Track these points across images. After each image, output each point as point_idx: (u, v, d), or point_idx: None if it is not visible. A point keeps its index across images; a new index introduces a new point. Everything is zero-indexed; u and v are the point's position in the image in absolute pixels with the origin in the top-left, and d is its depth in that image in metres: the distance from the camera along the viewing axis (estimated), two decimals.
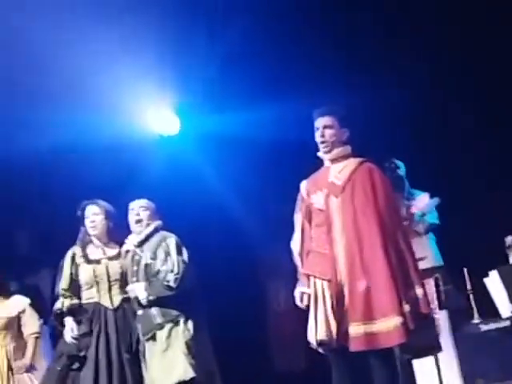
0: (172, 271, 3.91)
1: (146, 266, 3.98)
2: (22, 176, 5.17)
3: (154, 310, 3.90)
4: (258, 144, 4.98)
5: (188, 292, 3.95)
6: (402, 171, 4.46)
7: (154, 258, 3.97)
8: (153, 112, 5.38)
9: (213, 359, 4.07)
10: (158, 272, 3.95)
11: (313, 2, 4.59)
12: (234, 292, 5.40)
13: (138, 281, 3.98)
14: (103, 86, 4.94)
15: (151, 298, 3.89)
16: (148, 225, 4.07)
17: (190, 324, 3.93)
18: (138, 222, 4.07)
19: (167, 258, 3.95)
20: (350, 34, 4.70)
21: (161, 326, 3.89)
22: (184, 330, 3.89)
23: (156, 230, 4.08)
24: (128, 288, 3.99)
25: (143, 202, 4.14)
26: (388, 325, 3.22)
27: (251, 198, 5.22)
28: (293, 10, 4.60)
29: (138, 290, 3.92)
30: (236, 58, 4.82)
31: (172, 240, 4.01)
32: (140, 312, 3.95)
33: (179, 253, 3.99)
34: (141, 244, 4.05)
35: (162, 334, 3.88)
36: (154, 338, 3.90)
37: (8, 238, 5.31)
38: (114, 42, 4.76)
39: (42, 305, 4.34)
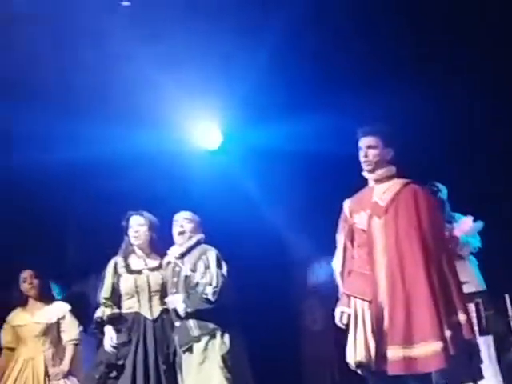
0: (211, 284, 3.94)
1: (186, 277, 4.02)
2: (73, 186, 5.28)
3: (192, 322, 3.93)
4: (300, 157, 4.97)
5: (225, 306, 3.97)
6: (443, 194, 4.43)
7: (194, 270, 4.01)
8: (196, 125, 5.44)
9: (249, 374, 4.08)
10: (196, 284, 3.97)
11: (356, 16, 4.57)
12: (271, 307, 5.39)
13: (177, 292, 4.01)
14: (149, 100, 5.03)
15: (189, 310, 3.92)
16: (190, 237, 4.11)
17: (227, 338, 3.95)
18: (181, 233, 4.11)
19: (206, 271, 3.98)
20: (395, 48, 4.65)
21: (197, 339, 3.91)
22: (220, 344, 3.91)
23: (198, 243, 4.12)
24: (167, 299, 4.02)
25: (188, 214, 4.18)
26: (427, 350, 3.19)
27: (293, 212, 5.22)
28: (336, 22, 4.59)
29: (177, 301, 3.96)
30: (278, 71, 4.83)
31: (212, 253, 4.05)
32: (178, 323, 3.98)
33: (219, 266, 4.02)
34: (182, 256, 4.09)
35: (198, 347, 3.91)
36: (190, 350, 3.92)
37: (54, 246, 5.41)
38: (160, 57, 4.85)
39: (84, 312, 4.39)
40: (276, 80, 4.87)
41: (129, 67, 4.80)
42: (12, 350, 4.67)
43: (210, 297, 3.92)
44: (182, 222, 4.13)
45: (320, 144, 4.88)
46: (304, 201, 5.21)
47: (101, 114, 4.92)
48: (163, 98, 5.03)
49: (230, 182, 5.30)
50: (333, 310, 3.50)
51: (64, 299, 4.90)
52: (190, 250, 4.09)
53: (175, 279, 4.06)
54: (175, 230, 4.14)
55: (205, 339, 3.91)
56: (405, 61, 4.62)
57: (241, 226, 5.24)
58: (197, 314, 3.93)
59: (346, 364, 3.41)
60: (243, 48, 4.72)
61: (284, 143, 5.03)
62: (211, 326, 3.92)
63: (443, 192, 4.43)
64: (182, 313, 3.92)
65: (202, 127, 5.47)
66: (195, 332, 3.91)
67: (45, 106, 4.77)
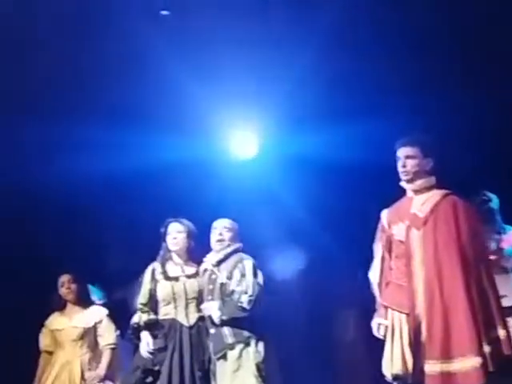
0: (246, 293, 3.95)
1: (222, 285, 4.03)
2: (114, 193, 5.33)
3: (226, 330, 3.94)
4: (337, 167, 4.93)
5: (260, 315, 3.97)
6: (494, 204, 4.29)
7: (230, 278, 4.02)
8: (232, 135, 5.46)
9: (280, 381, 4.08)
10: (232, 292, 3.98)
11: (399, 23, 4.51)
12: (304, 317, 5.37)
13: (212, 299, 4.03)
14: (186, 110, 5.07)
15: (224, 317, 3.93)
16: (228, 245, 4.12)
17: (261, 346, 3.95)
18: (220, 241, 4.12)
19: (242, 280, 3.99)
20: (440, 54, 4.55)
21: (232, 346, 3.91)
22: (255, 352, 3.91)
23: (235, 251, 4.12)
24: (202, 306, 4.04)
25: (227, 222, 4.18)
26: (466, 365, 3.15)
27: (329, 222, 5.19)
28: (377, 29, 4.53)
29: (212, 308, 3.97)
30: (314, 80, 4.81)
31: (249, 262, 4.05)
32: (212, 331, 4.00)
33: (255, 275, 4.02)
34: (218, 263, 4.11)
35: (232, 355, 3.91)
36: (225, 357, 3.93)
37: (95, 251, 5.48)
38: (198, 66, 4.89)
39: (124, 318, 4.42)
40: (312, 89, 4.85)
41: (167, 77, 4.84)
42: (50, 353, 4.71)
43: (246, 305, 3.92)
44: (222, 230, 4.14)
45: (356, 153, 4.83)
46: (340, 210, 5.16)
47: (140, 123, 4.98)
48: (200, 108, 5.05)
49: (266, 191, 5.29)
50: (365, 321, 3.48)
51: (106, 304, 4.94)
52: (226, 257, 4.10)
53: (211, 286, 4.07)
54: (214, 237, 4.15)
55: (239, 347, 3.91)
56: (450, 67, 4.53)
57: (276, 235, 5.23)
58: (232, 322, 3.93)
59: (379, 375, 3.39)
60: (280, 57, 4.72)
61: (321, 152, 4.98)
62: (246, 334, 3.92)
63: (494, 201, 4.29)
64: (216, 320, 3.94)
65: (238, 136, 5.48)
66: (229, 339, 3.92)
67: (87, 115, 4.85)
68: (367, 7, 4.33)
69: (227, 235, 4.14)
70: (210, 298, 4.05)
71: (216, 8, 4.55)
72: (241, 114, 5.18)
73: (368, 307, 3.64)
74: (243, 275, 4.00)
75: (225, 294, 3.99)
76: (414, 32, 4.34)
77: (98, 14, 4.51)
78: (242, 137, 5.47)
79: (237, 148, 5.51)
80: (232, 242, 4.13)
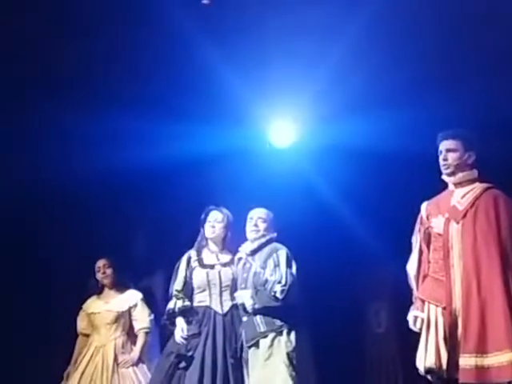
0: (279, 282, 3.96)
1: (255, 274, 4.05)
2: (149, 183, 5.39)
3: (259, 318, 3.96)
4: (376, 156, 4.87)
5: (293, 304, 3.98)
6: None
7: (264, 267, 4.03)
8: (269, 123, 5.44)
9: (313, 373, 4.09)
10: (265, 281, 4.00)
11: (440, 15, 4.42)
12: (337, 307, 5.36)
13: (245, 288, 4.05)
14: (223, 98, 5.07)
15: (257, 306, 3.95)
16: (263, 235, 4.13)
17: (293, 336, 3.96)
18: (255, 231, 4.14)
19: (276, 269, 4.00)
20: (480, 45, 4.45)
21: (264, 335, 3.94)
22: (286, 341, 3.93)
23: (270, 241, 4.13)
24: (236, 294, 4.07)
25: (263, 212, 4.20)
26: (501, 360, 3.14)
27: (366, 212, 5.15)
28: (418, 20, 4.45)
29: (245, 296, 4.00)
30: (353, 68, 4.74)
31: (283, 252, 4.06)
32: (245, 318, 4.03)
33: (288, 265, 4.03)
34: (253, 253, 4.13)
35: (264, 343, 3.93)
36: (256, 345, 3.96)
37: (127, 239, 5.55)
38: (235, 55, 4.88)
39: (155, 304, 4.49)
40: (350, 77, 4.80)
41: (205, 65, 4.86)
42: (87, 336, 4.81)
43: (279, 295, 3.93)
44: (256, 220, 4.16)
45: (394, 143, 4.76)
46: (377, 201, 5.12)
47: (178, 114, 5.00)
48: (238, 97, 5.05)
49: (304, 180, 5.28)
50: (398, 314, 3.46)
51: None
52: (261, 247, 4.11)
53: (245, 275, 4.10)
54: (249, 227, 4.17)
55: (271, 336, 3.93)
56: (491, 58, 4.43)
57: (312, 225, 5.22)
58: (264, 311, 3.95)
59: (410, 368, 3.37)
60: (319, 46, 4.68)
61: (359, 141, 4.92)
62: (278, 323, 3.94)
63: None
64: (249, 308, 3.96)
65: (276, 125, 5.46)
66: (262, 328, 3.94)
67: (130, 107, 4.88)
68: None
69: (262, 225, 4.15)
70: (243, 286, 4.07)
71: (256, 0, 4.55)
72: (279, 102, 5.16)
73: (402, 299, 3.62)
74: (277, 265, 4.01)
75: (258, 283, 4.01)
76: (456, 20, 4.25)
77: (137, 3, 4.54)
78: (280, 126, 5.46)
79: (275, 137, 5.50)
80: (267, 232, 4.14)
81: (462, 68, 4.45)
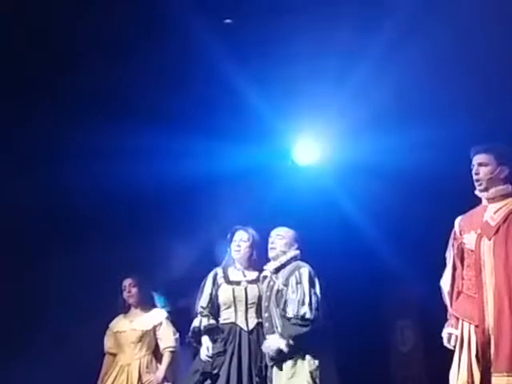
0: (303, 303, 3.90)
1: (278, 291, 4.03)
2: (167, 198, 5.39)
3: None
4: (399, 173, 4.84)
5: (319, 326, 3.93)
6: None
7: (286, 285, 4.01)
8: (293, 140, 5.47)
9: None
10: (286, 301, 3.95)
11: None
12: (361, 325, 5.32)
13: (268, 306, 4.03)
14: (247, 115, 5.11)
15: (291, 342, 3.87)
16: (285, 253, 4.11)
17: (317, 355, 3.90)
18: (272, 249, 4.14)
19: (298, 287, 3.97)
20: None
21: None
22: (310, 360, 3.89)
23: (293, 259, 4.11)
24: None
25: (281, 230, 4.19)
26: None
27: (390, 229, 5.13)
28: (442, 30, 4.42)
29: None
30: (376, 84, 4.75)
31: (305, 270, 4.03)
32: (268, 337, 4.00)
33: (311, 284, 3.99)
34: (277, 271, 4.11)
35: (288, 362, 3.90)
36: (280, 364, 3.92)
37: (158, 259, 5.56)
38: (258, 72, 4.92)
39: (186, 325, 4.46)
40: (373, 94, 4.80)
41: (229, 82, 4.89)
42: (114, 355, 4.80)
43: (308, 316, 3.88)
44: (275, 238, 4.17)
45: (418, 160, 4.75)
46: (401, 218, 5.09)
47: (201, 130, 5.04)
48: (261, 114, 5.09)
49: (326, 197, 5.27)
50: (424, 332, 3.41)
51: (169, 312, 4.99)
52: (284, 265, 4.10)
53: (268, 293, 4.09)
54: (269, 245, 4.18)
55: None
56: None
57: (335, 242, 5.20)
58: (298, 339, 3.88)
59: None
60: (341, 62, 4.70)
61: (381, 158, 4.91)
62: (302, 346, 3.87)
63: None
64: (286, 349, 3.87)
65: (301, 143, 5.48)
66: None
67: (154, 124, 4.92)
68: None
69: (279, 243, 4.14)
70: (266, 304, 4.06)
71: (279, 18, 4.59)
72: (302, 120, 5.19)
73: (427, 317, 3.58)
74: (299, 283, 3.98)
75: (280, 301, 3.97)
76: (484, 31, 4.23)
77: (163, 23, 4.60)
78: (303, 143, 5.47)
79: (298, 154, 5.52)
80: (287, 249, 4.11)
81: (489, 83, 4.43)
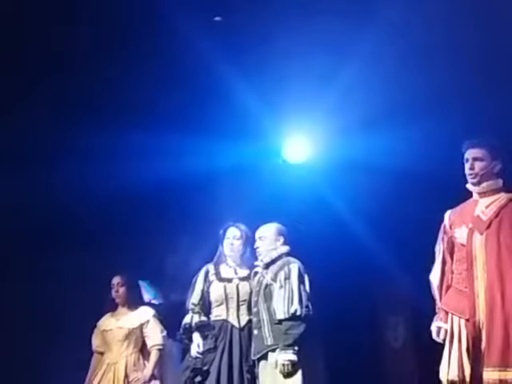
0: (292, 301, 3.87)
1: (266, 286, 4.02)
2: (157, 196, 5.38)
3: (267, 331, 3.92)
4: (389, 171, 4.85)
5: (307, 322, 3.90)
6: None
7: (274, 280, 3.99)
8: (283, 139, 5.47)
9: None
10: (273, 299, 3.91)
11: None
12: (352, 321, 5.34)
13: (257, 301, 4.01)
14: (237, 114, 5.10)
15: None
16: (273, 249, 4.11)
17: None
18: (258, 252, 4.13)
19: (286, 282, 3.95)
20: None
21: (271, 348, 3.89)
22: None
23: (283, 255, 4.09)
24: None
25: (262, 230, 4.17)
26: None
27: (379, 227, 5.14)
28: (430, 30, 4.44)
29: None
30: (366, 82, 4.76)
31: (295, 266, 4.01)
32: (255, 332, 3.99)
33: (301, 280, 3.97)
34: (267, 266, 4.10)
35: (272, 356, 3.89)
36: (265, 358, 3.91)
37: (151, 254, 5.54)
38: (248, 71, 4.91)
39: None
40: (363, 93, 4.81)
41: (219, 81, 4.88)
42: (101, 353, 4.76)
43: (299, 313, 3.85)
44: (258, 240, 4.15)
45: (407, 158, 4.76)
46: (390, 216, 5.12)
47: (191, 128, 5.02)
48: (251, 112, 5.08)
49: (316, 195, 5.28)
50: (416, 328, 3.42)
51: (161, 305, 4.96)
52: (274, 261, 4.08)
53: (257, 288, 4.08)
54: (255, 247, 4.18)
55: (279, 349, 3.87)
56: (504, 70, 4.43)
57: (326, 240, 5.21)
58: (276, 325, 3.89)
59: (428, 382, 3.32)
60: (331, 61, 4.71)
61: (371, 157, 4.92)
62: (287, 339, 3.85)
63: None
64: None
65: (290, 142, 5.49)
66: (269, 341, 3.90)
67: (141, 123, 4.91)
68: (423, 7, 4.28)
69: (262, 244, 4.12)
70: (255, 299, 4.05)
71: (268, 14, 4.59)
72: (293, 118, 5.19)
73: (419, 313, 3.59)
74: (287, 278, 3.96)
75: (268, 297, 3.95)
76: (474, 29, 4.25)
77: (152, 22, 4.58)
78: (294, 141, 5.48)
79: (289, 152, 5.52)
80: (273, 246, 4.09)
81: (478, 81, 4.46)
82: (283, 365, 3.82)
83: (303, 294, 3.93)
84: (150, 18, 4.59)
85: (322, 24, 4.53)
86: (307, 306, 3.90)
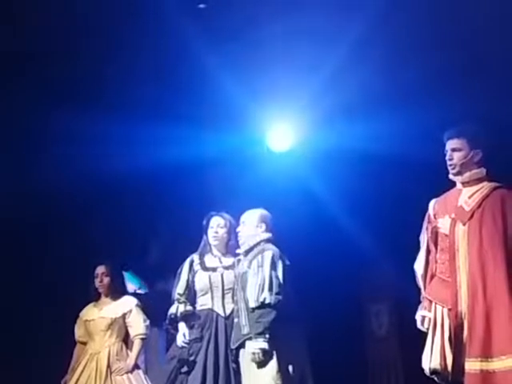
0: (263, 288, 3.81)
1: (243, 274, 3.98)
2: (142, 186, 5.37)
3: (244, 320, 3.88)
4: (373, 159, 4.85)
5: (283, 307, 3.87)
6: None
7: (249, 267, 3.95)
8: (267, 127, 5.45)
9: (311, 377, 4.06)
10: (246, 287, 3.87)
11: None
12: (337, 310, 5.36)
13: (236, 289, 3.99)
14: (220, 102, 5.06)
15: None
16: (253, 236, 4.04)
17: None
18: (239, 237, 4.09)
19: (259, 270, 3.88)
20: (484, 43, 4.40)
21: (248, 336, 3.85)
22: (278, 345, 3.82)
23: (263, 241, 4.01)
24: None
25: (245, 216, 4.11)
26: (506, 364, 3.11)
27: (364, 214, 5.16)
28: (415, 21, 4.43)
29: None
30: (350, 71, 4.75)
31: (269, 253, 3.92)
32: (235, 320, 3.97)
33: (273, 267, 3.88)
34: (246, 253, 4.05)
35: (250, 345, 3.83)
36: (243, 346, 3.88)
37: (138, 244, 5.52)
38: (232, 59, 4.88)
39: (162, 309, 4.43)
40: (347, 81, 4.79)
41: (202, 69, 4.85)
42: (84, 343, 4.76)
43: (268, 301, 3.78)
44: (241, 225, 4.10)
45: (392, 146, 4.76)
46: (375, 204, 5.13)
47: (174, 117, 4.98)
48: (235, 101, 5.04)
49: (301, 184, 5.28)
50: (399, 316, 3.43)
51: (146, 294, 4.95)
52: (252, 248, 4.02)
53: (237, 276, 4.07)
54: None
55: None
56: (495, 56, 4.41)
57: (310, 229, 5.22)
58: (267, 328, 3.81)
59: (411, 370, 3.35)
60: (314, 49, 4.69)
61: (356, 145, 4.92)
62: (261, 326, 3.78)
63: None
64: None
65: (274, 129, 5.47)
66: (245, 330, 3.86)
67: (127, 112, 4.86)
68: None
69: (243, 229, 4.06)
70: (236, 287, 4.02)
71: (253, 3, 4.55)
72: (276, 107, 5.17)
73: (403, 301, 3.61)
74: (260, 266, 3.89)
75: (245, 284, 3.90)
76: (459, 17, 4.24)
77: (134, 9, 4.52)
78: (278, 130, 5.46)
79: (273, 141, 5.50)
80: (253, 232, 4.02)
81: (461, 68, 4.45)
82: (253, 353, 3.78)
83: (274, 280, 3.84)
84: (131, 4, 4.54)
85: (305, 12, 4.50)
86: (278, 293, 3.82)
